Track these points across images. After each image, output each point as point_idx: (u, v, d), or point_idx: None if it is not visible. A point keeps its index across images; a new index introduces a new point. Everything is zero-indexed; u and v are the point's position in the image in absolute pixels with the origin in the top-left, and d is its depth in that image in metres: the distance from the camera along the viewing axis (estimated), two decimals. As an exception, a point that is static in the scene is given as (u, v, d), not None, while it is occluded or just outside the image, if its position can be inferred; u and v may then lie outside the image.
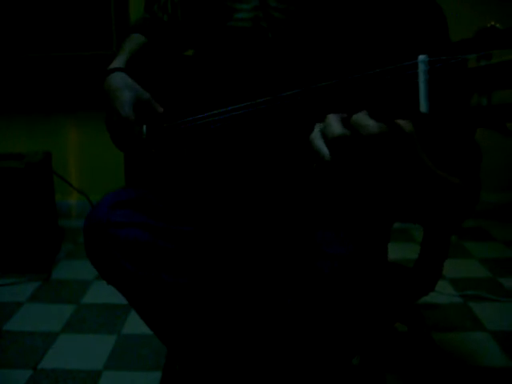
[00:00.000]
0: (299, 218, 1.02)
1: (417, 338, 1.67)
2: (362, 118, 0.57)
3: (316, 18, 0.96)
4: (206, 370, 1.01)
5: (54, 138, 2.80)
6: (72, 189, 2.64)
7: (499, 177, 2.73)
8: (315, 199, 0.99)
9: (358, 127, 0.57)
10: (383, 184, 0.61)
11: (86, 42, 2.61)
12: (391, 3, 0.91)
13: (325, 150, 0.60)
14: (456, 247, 2.45)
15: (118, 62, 1.13)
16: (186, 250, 0.98)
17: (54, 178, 2.42)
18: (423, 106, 0.54)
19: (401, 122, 0.57)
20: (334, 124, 0.59)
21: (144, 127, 1.09)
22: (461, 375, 1.55)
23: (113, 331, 1.80)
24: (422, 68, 0.55)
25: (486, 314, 1.88)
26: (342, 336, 0.85)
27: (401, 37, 0.88)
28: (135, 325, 1.80)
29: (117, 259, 0.96)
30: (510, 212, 2.76)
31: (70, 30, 2.60)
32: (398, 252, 2.10)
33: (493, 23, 0.49)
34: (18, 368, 1.59)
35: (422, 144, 0.61)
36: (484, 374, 1.56)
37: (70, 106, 2.73)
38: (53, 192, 2.43)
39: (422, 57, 0.55)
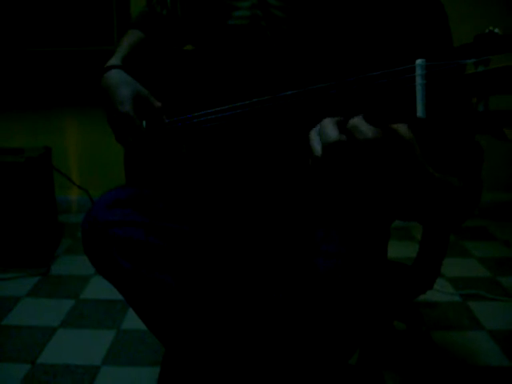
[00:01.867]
0: (297, 216, 1.02)
1: (415, 337, 1.67)
2: (358, 123, 0.57)
3: (315, 16, 0.96)
4: (202, 367, 1.01)
5: (55, 134, 2.80)
6: (72, 184, 2.65)
7: (499, 176, 2.73)
8: (313, 197, 0.99)
9: (354, 131, 0.58)
10: (380, 186, 0.61)
11: (87, 38, 2.61)
12: (393, 2, 0.90)
13: (318, 147, 0.61)
14: (455, 246, 2.45)
15: (115, 59, 1.13)
16: (183, 249, 0.98)
17: (54, 173, 2.42)
18: (420, 111, 0.54)
19: (397, 126, 0.57)
20: (330, 128, 0.60)
21: (144, 122, 1.09)
22: (459, 374, 1.56)
23: (112, 326, 1.80)
24: (419, 72, 0.55)
25: (484, 313, 1.88)
26: (338, 334, 0.85)
27: (401, 34, 0.87)
28: (134, 320, 1.80)
29: (114, 258, 0.96)
30: (509, 211, 2.76)
31: (72, 25, 2.60)
32: (397, 250, 2.10)
33: (491, 28, 0.48)
34: (17, 362, 1.60)
35: (421, 147, 0.60)
36: (482, 373, 1.56)
37: (70, 102, 2.73)
38: (53, 187, 2.43)
39: (419, 61, 0.55)
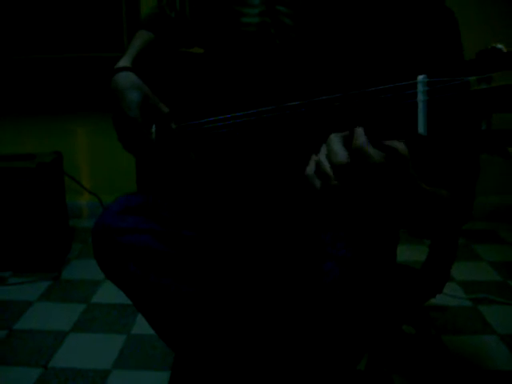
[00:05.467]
0: (304, 220, 1.02)
1: (425, 341, 1.67)
2: (363, 146, 0.58)
3: (324, 24, 0.96)
4: (211, 371, 1.02)
5: (66, 139, 2.82)
6: (83, 189, 2.66)
7: (509, 179, 2.71)
8: (319, 203, 0.99)
9: (359, 155, 0.58)
10: (381, 199, 0.61)
11: (97, 44, 2.62)
12: (402, 10, 0.90)
13: (328, 168, 0.61)
14: (466, 250, 2.44)
15: (125, 61, 1.13)
16: (192, 255, 0.99)
17: (65, 178, 2.44)
18: (421, 127, 0.54)
19: (397, 144, 0.58)
20: (338, 148, 0.60)
21: (153, 127, 1.10)
22: (469, 378, 1.55)
23: (122, 331, 1.81)
24: (420, 88, 0.54)
25: (495, 317, 1.87)
26: (347, 339, 0.85)
27: (410, 42, 0.87)
28: (144, 325, 1.79)
29: (123, 264, 0.97)
30: (520, 215, 2.74)
31: (82, 31, 2.62)
32: (407, 254, 2.10)
33: (493, 44, 0.48)
34: (29, 366, 1.61)
35: (416, 162, 0.61)
36: (492, 378, 1.55)
37: (81, 107, 2.74)
38: (63, 192, 2.44)
39: (421, 77, 0.55)
